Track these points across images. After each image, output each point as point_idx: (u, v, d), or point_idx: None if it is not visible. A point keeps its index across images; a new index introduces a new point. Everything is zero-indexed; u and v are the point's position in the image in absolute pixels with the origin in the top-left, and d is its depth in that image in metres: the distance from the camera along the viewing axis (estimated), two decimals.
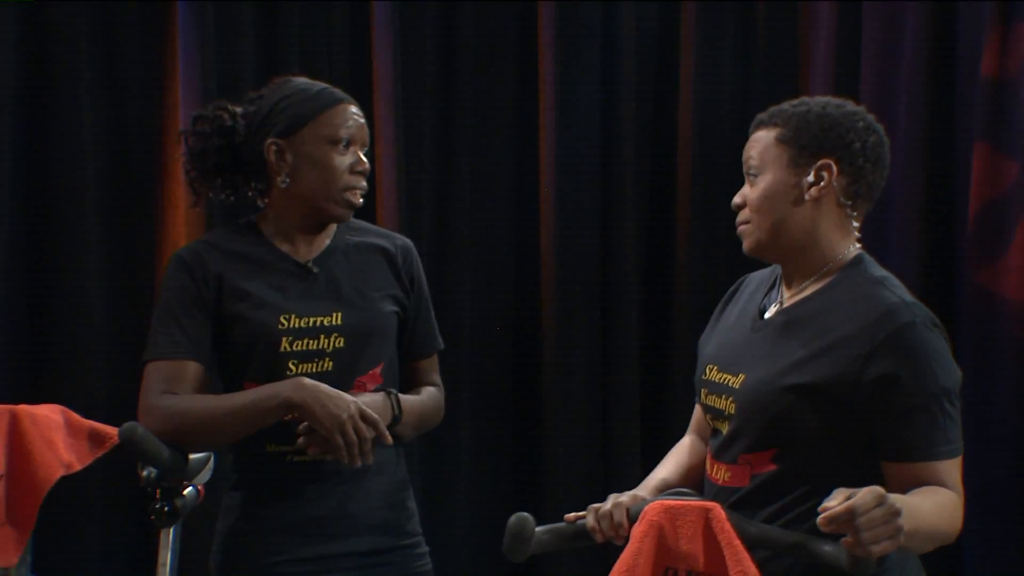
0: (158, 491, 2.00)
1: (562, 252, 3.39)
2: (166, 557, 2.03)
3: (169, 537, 2.04)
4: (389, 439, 2.00)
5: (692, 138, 3.48)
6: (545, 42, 3.35)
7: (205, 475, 2.10)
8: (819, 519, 1.47)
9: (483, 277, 3.40)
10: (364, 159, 2.10)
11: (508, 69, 3.41)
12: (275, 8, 3.18)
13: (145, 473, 1.99)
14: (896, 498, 1.50)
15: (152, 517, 2.01)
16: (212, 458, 2.11)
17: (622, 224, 3.43)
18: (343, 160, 2.06)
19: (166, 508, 2.00)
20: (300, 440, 1.97)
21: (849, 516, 1.45)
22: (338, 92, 2.11)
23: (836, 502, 1.47)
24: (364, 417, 1.95)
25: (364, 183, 2.10)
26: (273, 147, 2.06)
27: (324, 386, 1.96)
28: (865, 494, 1.47)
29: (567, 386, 3.41)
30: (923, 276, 3.54)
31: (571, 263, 3.41)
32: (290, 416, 1.98)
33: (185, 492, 2.03)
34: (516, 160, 3.42)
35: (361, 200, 2.10)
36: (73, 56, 2.99)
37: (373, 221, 3.02)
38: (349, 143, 2.07)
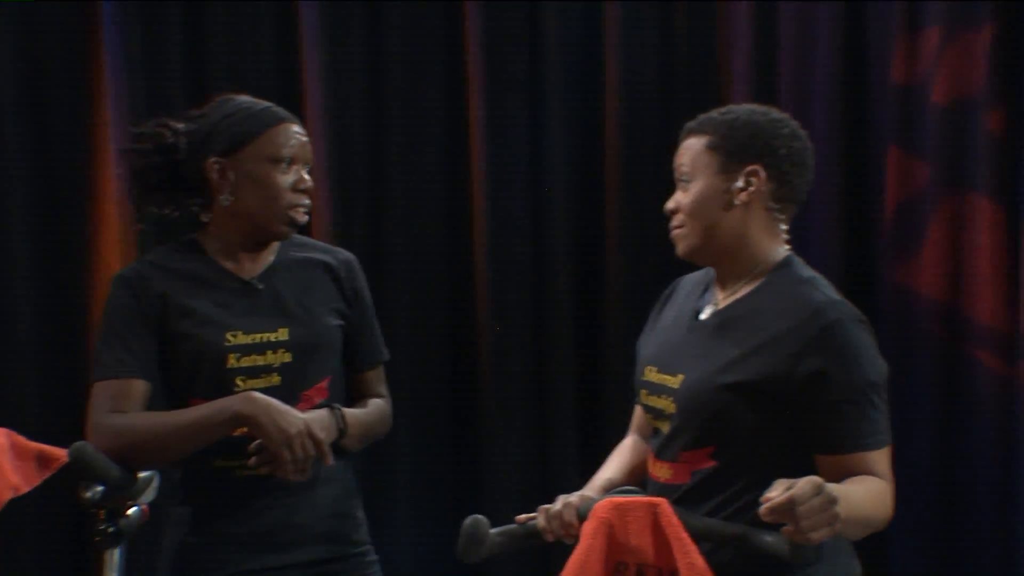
0: (102, 512, 1.99)
1: (495, 261, 3.44)
2: None
3: (113, 558, 2.02)
4: (329, 460, 2.02)
5: (618, 143, 3.55)
6: (472, 45, 3.39)
7: (150, 494, 2.07)
8: (761, 510, 1.53)
9: (418, 287, 3.43)
10: (307, 177, 2.12)
11: (436, 79, 3.44)
12: (200, 10, 3.18)
13: (89, 494, 1.97)
14: (832, 487, 1.56)
15: (97, 539, 2.00)
16: (157, 477, 2.10)
17: (553, 232, 3.49)
18: (285, 179, 2.08)
19: (111, 529, 1.99)
20: (252, 460, 1.99)
21: (789, 506, 1.51)
22: (281, 111, 2.13)
23: (776, 493, 1.53)
24: (311, 435, 1.98)
25: (307, 200, 2.12)
26: (215, 166, 2.08)
27: (275, 401, 1.98)
28: (804, 484, 1.53)
29: (504, 393, 3.46)
30: (843, 276, 3.64)
31: (504, 271, 3.46)
32: (239, 431, 2.00)
33: (129, 512, 2.01)
34: (447, 171, 3.46)
35: (305, 217, 2.12)
36: None
37: (306, 235, 3.05)
38: (291, 161, 2.09)
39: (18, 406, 2.94)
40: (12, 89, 2.99)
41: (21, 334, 2.98)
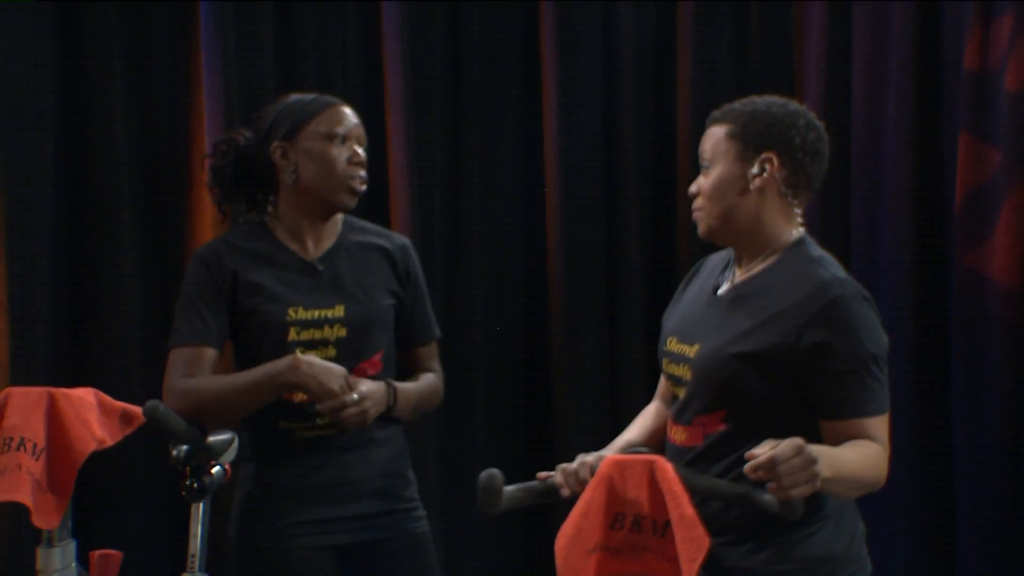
0: (187, 469, 2.18)
1: (568, 244, 3.58)
2: (196, 529, 2.20)
3: (199, 511, 2.20)
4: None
5: (691, 133, 3.63)
6: (547, 44, 3.52)
7: (230, 454, 2.25)
8: (745, 467, 1.66)
9: (494, 271, 3.58)
10: (360, 152, 2.32)
11: (513, 71, 3.57)
12: (291, 11, 3.39)
13: (175, 452, 2.17)
14: (815, 448, 1.67)
15: (183, 493, 2.19)
16: (236, 439, 2.26)
17: (625, 215, 3.61)
18: (341, 152, 2.29)
19: (195, 484, 2.18)
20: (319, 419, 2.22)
21: (771, 464, 1.64)
22: (332, 96, 2.35)
23: (761, 451, 1.66)
24: (347, 379, 2.18)
25: (363, 173, 2.32)
26: (279, 149, 2.29)
27: (316, 363, 2.18)
28: (786, 445, 1.65)
29: (576, 371, 3.58)
30: (914, 260, 3.68)
31: (577, 255, 3.60)
32: (299, 398, 2.21)
33: (213, 470, 2.19)
34: (522, 159, 3.60)
35: (363, 187, 2.32)
36: (105, 68, 3.21)
37: (386, 222, 3.24)
38: (345, 138, 2.30)
39: (125, 374, 3.18)
40: (119, 84, 3.22)
41: (127, 309, 3.23)
